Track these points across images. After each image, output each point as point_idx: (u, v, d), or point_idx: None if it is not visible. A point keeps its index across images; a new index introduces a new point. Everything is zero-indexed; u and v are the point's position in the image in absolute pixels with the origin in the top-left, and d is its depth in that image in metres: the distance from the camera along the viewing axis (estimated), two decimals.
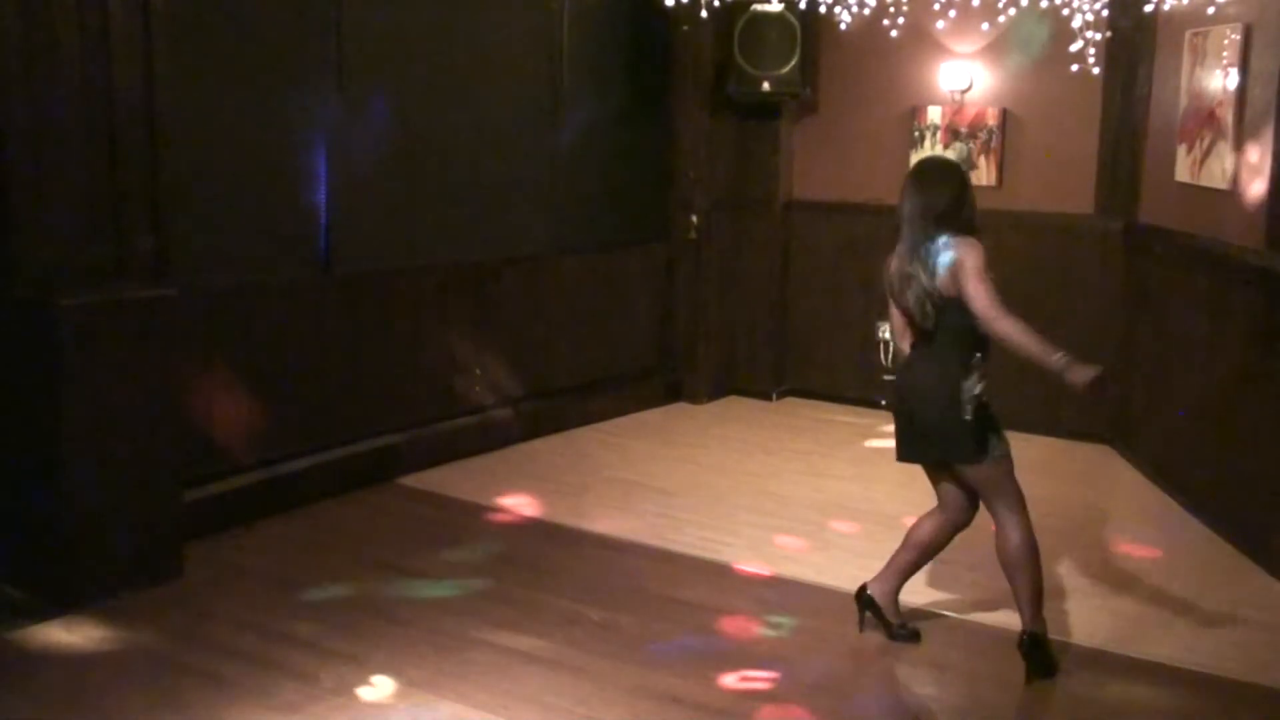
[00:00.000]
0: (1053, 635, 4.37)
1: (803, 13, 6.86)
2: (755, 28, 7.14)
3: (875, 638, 4.34)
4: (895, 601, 4.33)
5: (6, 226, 4.31)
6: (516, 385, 6.69)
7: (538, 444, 6.68)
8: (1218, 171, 5.49)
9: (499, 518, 5.55)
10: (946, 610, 4.58)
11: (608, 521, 5.47)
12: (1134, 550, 5.26)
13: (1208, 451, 5.60)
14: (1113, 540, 5.37)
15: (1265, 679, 4.07)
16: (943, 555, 5.13)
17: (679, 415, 7.45)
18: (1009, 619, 4.50)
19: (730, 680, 3.98)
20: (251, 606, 4.44)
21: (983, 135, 7.00)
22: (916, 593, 4.70)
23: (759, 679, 4.00)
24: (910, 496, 5.93)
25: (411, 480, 5.96)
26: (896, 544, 5.25)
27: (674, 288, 7.66)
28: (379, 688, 3.87)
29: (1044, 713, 3.88)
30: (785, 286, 7.74)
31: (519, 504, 5.70)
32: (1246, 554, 5.13)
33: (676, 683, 3.95)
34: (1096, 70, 5.69)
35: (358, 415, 5.83)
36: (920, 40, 6.91)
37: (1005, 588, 4.81)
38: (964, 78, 6.99)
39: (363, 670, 3.98)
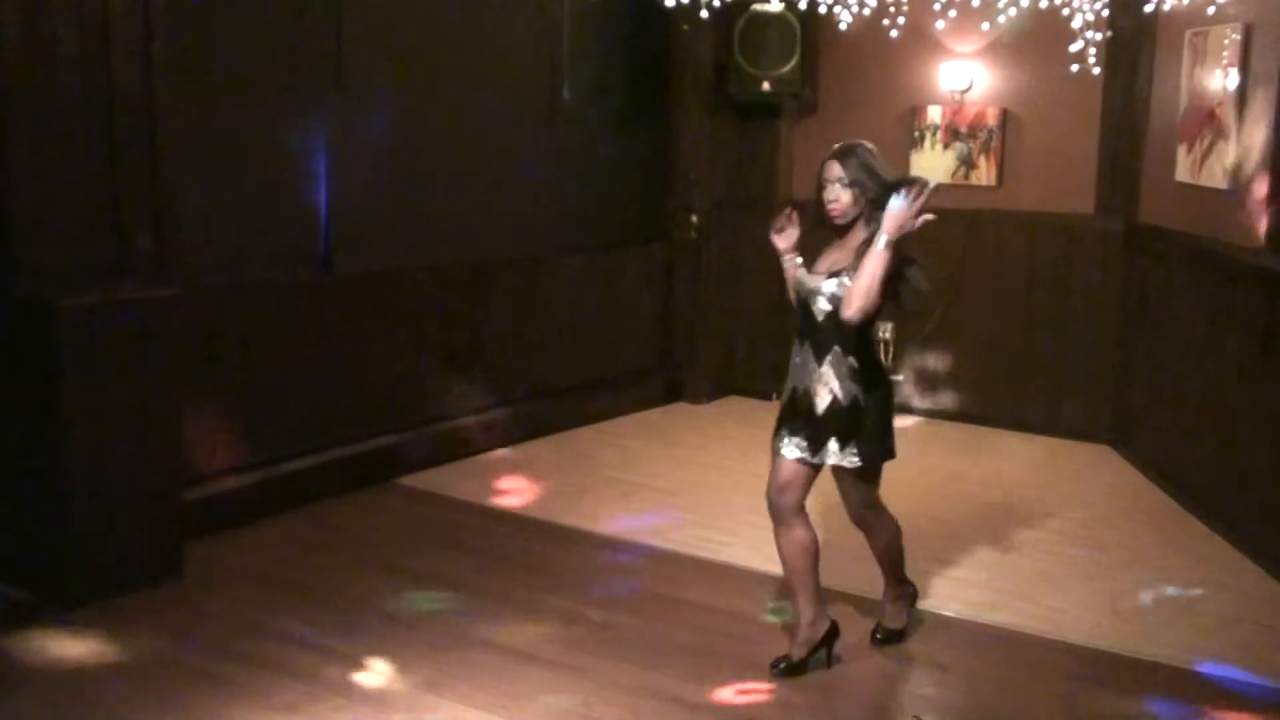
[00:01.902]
0: (1053, 635, 4.38)
1: (803, 13, 6.85)
2: (755, 28, 7.14)
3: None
4: (889, 605, 4.33)
5: (6, 226, 4.31)
6: (516, 385, 6.69)
7: (538, 444, 6.67)
8: (1218, 171, 5.49)
9: (499, 518, 5.55)
10: (946, 610, 4.57)
11: (608, 521, 5.47)
12: (1133, 550, 5.26)
13: (1208, 451, 5.60)
14: (1112, 540, 5.37)
15: (1265, 679, 4.08)
16: (942, 555, 5.15)
17: (679, 415, 7.45)
18: (1009, 619, 4.51)
19: (730, 680, 3.98)
20: (251, 606, 4.44)
21: (983, 135, 7.00)
22: (922, 593, 4.70)
23: (759, 679, 4.00)
24: (910, 496, 5.93)
25: (411, 480, 5.96)
26: None
27: (674, 288, 7.65)
28: (379, 688, 3.87)
29: (1044, 713, 3.88)
30: (785, 286, 7.72)
31: (519, 504, 5.70)
32: (1246, 554, 5.14)
33: (676, 683, 3.95)
34: (1096, 70, 5.70)
35: (358, 415, 5.83)
36: (920, 40, 6.90)
37: (1007, 588, 4.82)
38: (964, 78, 6.99)
39: (362, 670, 3.98)
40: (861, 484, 3.98)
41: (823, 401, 3.84)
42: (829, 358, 3.84)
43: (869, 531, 4.14)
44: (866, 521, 4.10)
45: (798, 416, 3.90)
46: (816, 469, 3.93)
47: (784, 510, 3.95)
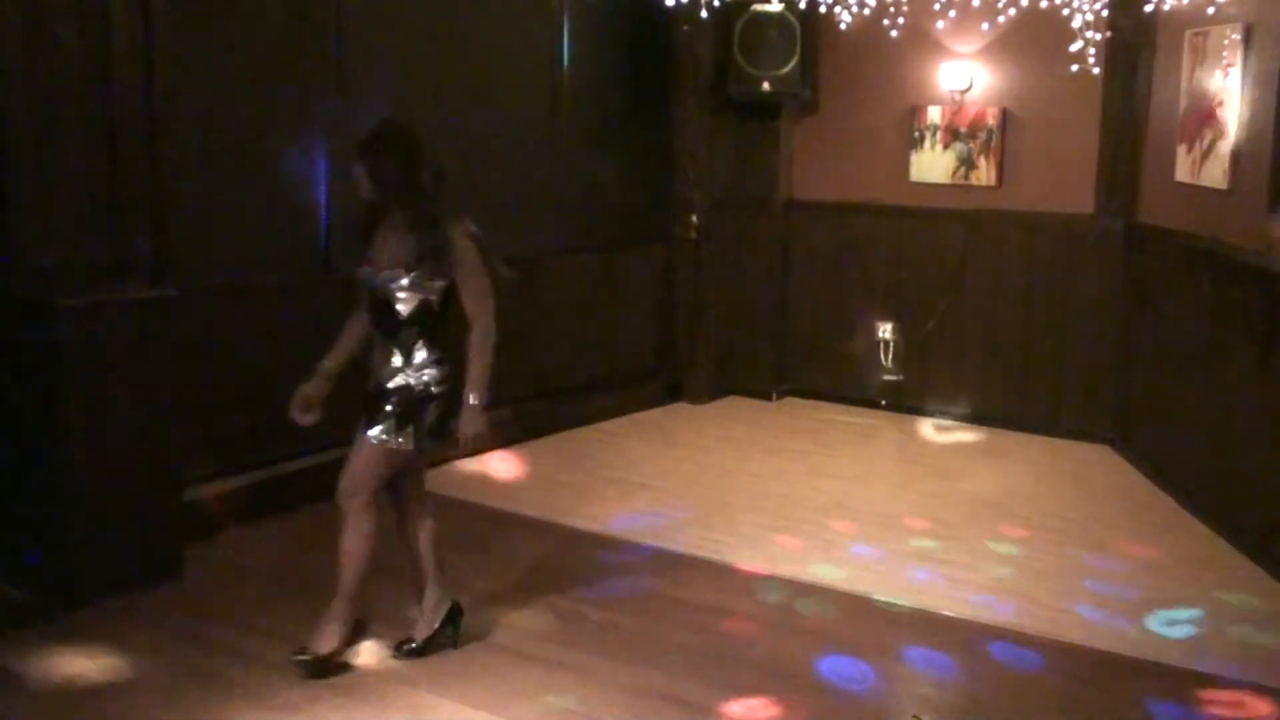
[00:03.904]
0: (1053, 635, 4.38)
1: (803, 13, 6.85)
2: (755, 28, 7.14)
3: (877, 637, 4.34)
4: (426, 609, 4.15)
5: (6, 226, 4.31)
6: (516, 385, 6.68)
7: (538, 444, 6.67)
8: (1218, 171, 5.49)
9: (499, 518, 5.55)
10: (946, 610, 4.57)
11: (608, 521, 5.46)
12: (1133, 550, 5.26)
13: (1208, 451, 5.60)
14: (1112, 540, 5.37)
15: (1265, 679, 4.08)
16: (941, 555, 5.15)
17: (679, 415, 7.45)
18: (1009, 619, 4.51)
19: (730, 680, 3.98)
20: (251, 606, 4.44)
21: (983, 135, 7.00)
22: (919, 593, 4.71)
23: (758, 679, 4.00)
24: (910, 497, 5.95)
25: None
26: (896, 543, 5.28)
27: (674, 288, 7.66)
28: (379, 688, 3.87)
29: (1044, 713, 3.88)
30: (785, 286, 7.74)
31: (519, 504, 5.70)
32: (1246, 554, 5.14)
33: (676, 683, 3.95)
34: (1096, 70, 5.69)
35: (358, 415, 5.80)
36: (920, 40, 6.91)
37: (1007, 588, 4.82)
38: (964, 78, 6.99)
39: (363, 670, 3.98)
40: (415, 471, 4.04)
41: (398, 387, 3.88)
42: (413, 353, 3.88)
43: (409, 520, 4.09)
44: (410, 510, 4.08)
45: (380, 406, 3.92)
46: (406, 455, 3.94)
47: (386, 495, 4.01)
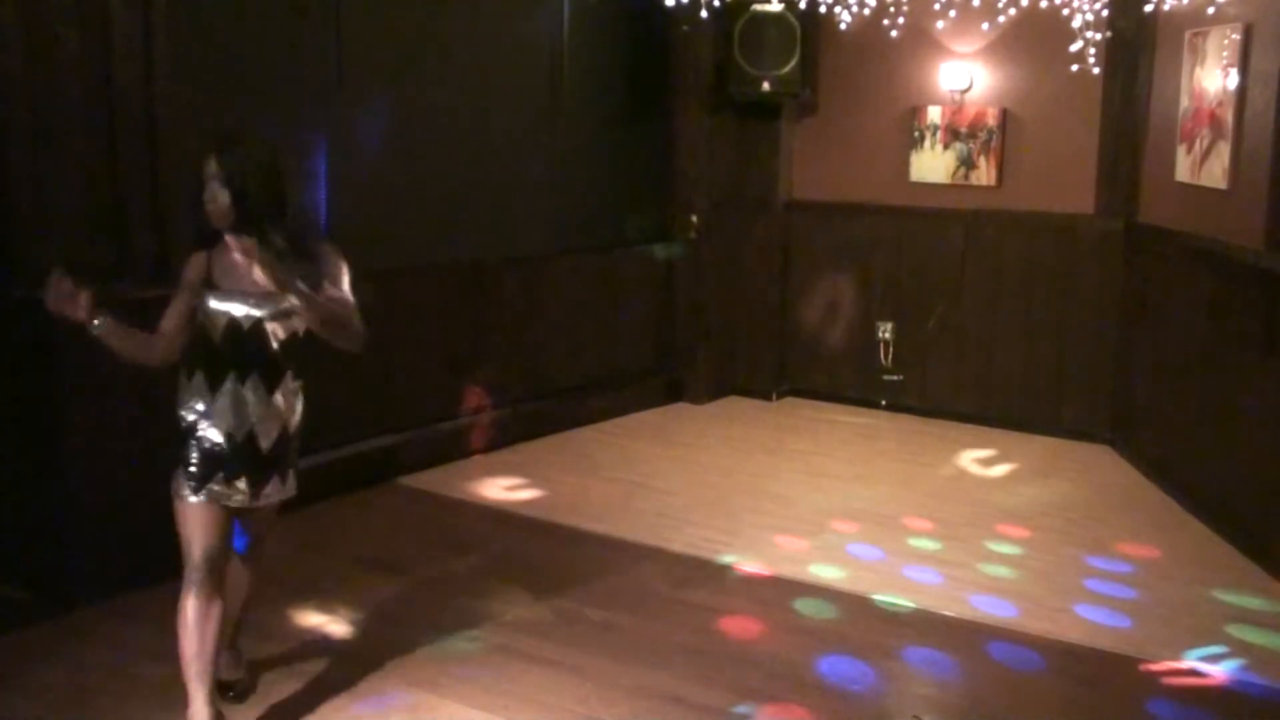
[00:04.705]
0: (1053, 635, 4.38)
1: (803, 13, 6.86)
2: (755, 28, 7.14)
3: (877, 637, 4.34)
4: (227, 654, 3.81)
5: (6, 226, 4.31)
6: (516, 385, 6.68)
7: (538, 444, 6.67)
8: (1218, 171, 5.49)
9: (499, 518, 5.55)
10: (947, 610, 4.57)
11: (608, 521, 5.47)
12: (1134, 550, 5.26)
13: (1208, 451, 5.60)
14: (1113, 540, 5.37)
15: (1266, 679, 4.08)
16: (941, 556, 5.15)
17: (679, 415, 7.45)
18: (1010, 619, 4.51)
19: (729, 680, 3.98)
20: (251, 606, 4.43)
21: (983, 135, 7.00)
22: (919, 593, 4.71)
23: (758, 679, 4.00)
24: (910, 497, 5.95)
25: (411, 480, 5.96)
26: (896, 544, 5.28)
27: (674, 288, 7.66)
28: (379, 688, 3.87)
29: (1044, 713, 3.88)
30: (785, 286, 7.75)
31: (519, 504, 5.70)
32: (1246, 554, 5.14)
33: (676, 683, 3.95)
34: (1096, 70, 5.70)
35: (358, 415, 5.82)
36: (920, 40, 6.91)
37: (1007, 588, 4.82)
38: (964, 78, 6.99)
39: (363, 670, 3.98)
40: (274, 518, 3.68)
41: (272, 436, 3.47)
42: (281, 387, 3.48)
43: (251, 574, 3.73)
44: (255, 563, 3.75)
45: (242, 460, 3.43)
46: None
47: (222, 571, 3.51)
